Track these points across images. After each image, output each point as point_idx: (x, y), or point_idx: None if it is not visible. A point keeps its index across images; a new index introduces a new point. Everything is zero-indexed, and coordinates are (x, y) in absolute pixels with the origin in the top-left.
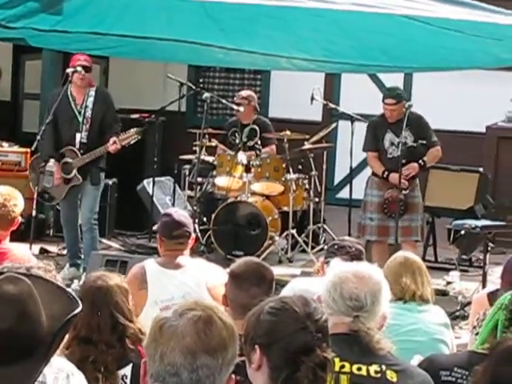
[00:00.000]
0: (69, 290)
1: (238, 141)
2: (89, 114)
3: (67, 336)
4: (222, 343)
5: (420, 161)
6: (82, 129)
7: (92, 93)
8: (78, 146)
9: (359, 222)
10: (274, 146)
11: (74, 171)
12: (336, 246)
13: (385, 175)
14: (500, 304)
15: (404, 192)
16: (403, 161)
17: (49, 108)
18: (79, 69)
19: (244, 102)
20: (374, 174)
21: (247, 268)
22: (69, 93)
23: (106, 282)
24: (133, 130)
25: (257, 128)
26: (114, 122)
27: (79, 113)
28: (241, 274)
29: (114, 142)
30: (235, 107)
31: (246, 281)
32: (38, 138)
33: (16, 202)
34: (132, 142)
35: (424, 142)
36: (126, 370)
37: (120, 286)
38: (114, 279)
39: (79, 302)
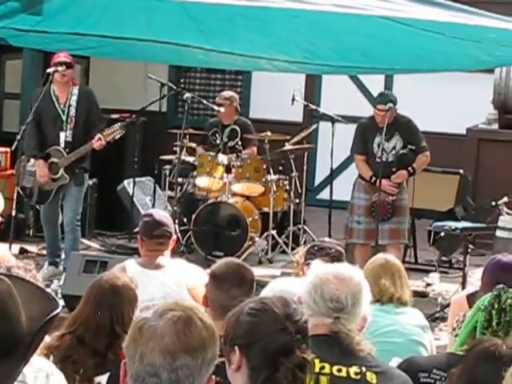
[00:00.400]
0: (48, 290)
1: (218, 141)
2: (73, 112)
3: (64, 327)
4: (201, 343)
5: (409, 168)
6: (67, 128)
7: (75, 91)
8: (63, 145)
9: (346, 225)
10: (254, 148)
11: (61, 171)
12: (316, 248)
13: (372, 180)
14: (479, 305)
15: (392, 198)
16: (393, 169)
17: (31, 107)
18: (60, 68)
19: (226, 103)
20: (360, 176)
21: (228, 269)
22: (52, 92)
23: (115, 283)
24: (117, 125)
25: (238, 129)
26: (98, 120)
27: (63, 112)
28: (221, 274)
29: (99, 139)
30: (216, 108)
31: (227, 282)
32: (18, 137)
33: None
34: (117, 137)
35: (413, 147)
36: (103, 379)
37: (128, 290)
38: (123, 281)
39: (58, 302)
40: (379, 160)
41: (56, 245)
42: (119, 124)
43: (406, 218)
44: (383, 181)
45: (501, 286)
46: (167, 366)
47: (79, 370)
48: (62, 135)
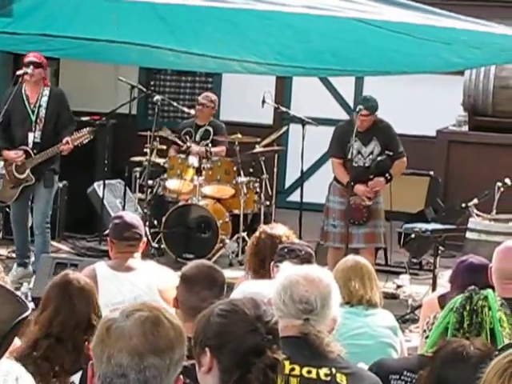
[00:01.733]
0: (18, 293)
1: (189, 143)
2: (42, 113)
3: (36, 332)
4: (169, 344)
5: (386, 174)
6: (36, 128)
7: (46, 92)
8: (31, 145)
9: (322, 228)
10: (224, 148)
11: (27, 171)
12: (286, 250)
13: (349, 186)
14: (450, 307)
15: (368, 203)
16: (371, 176)
17: (0, 107)
18: (29, 70)
19: (210, 105)
20: (336, 179)
21: (199, 271)
22: (23, 91)
23: (85, 281)
24: (85, 130)
25: (211, 130)
26: (69, 122)
27: (32, 112)
28: (192, 276)
29: (67, 142)
30: (186, 110)
31: (198, 284)
32: None
33: None
34: (85, 142)
35: (390, 153)
36: (75, 378)
37: (93, 286)
38: (87, 279)
39: (28, 305)
40: (356, 165)
41: (25, 247)
42: (88, 129)
43: (381, 221)
44: (360, 186)
45: (472, 287)
46: (135, 367)
47: (55, 367)
48: (31, 136)
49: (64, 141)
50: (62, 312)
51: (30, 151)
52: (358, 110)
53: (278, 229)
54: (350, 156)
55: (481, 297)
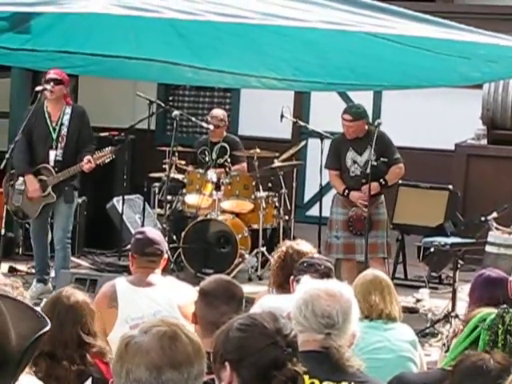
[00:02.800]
0: (37, 308)
1: (207, 159)
2: (64, 131)
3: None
4: (187, 358)
5: (381, 180)
6: (57, 146)
7: (68, 110)
8: (52, 163)
9: (326, 240)
10: (244, 164)
11: (49, 189)
12: (305, 264)
13: (345, 193)
14: (479, 322)
15: (367, 210)
16: (363, 180)
17: (24, 124)
18: (48, 86)
19: (221, 124)
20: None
21: (217, 286)
22: (44, 109)
23: (75, 299)
24: (108, 149)
25: (227, 146)
26: (89, 141)
27: (54, 130)
28: (211, 291)
29: (89, 161)
30: (205, 125)
31: (216, 299)
32: (7, 156)
33: None
34: (107, 161)
35: (385, 159)
36: None
37: (87, 304)
38: (81, 297)
39: (48, 320)
40: (353, 175)
41: (45, 262)
42: (110, 148)
43: (383, 232)
44: (354, 193)
45: (504, 306)
46: (153, 381)
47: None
48: (52, 154)
49: (85, 159)
50: (51, 330)
51: (52, 169)
52: (341, 115)
53: (304, 245)
54: (345, 166)
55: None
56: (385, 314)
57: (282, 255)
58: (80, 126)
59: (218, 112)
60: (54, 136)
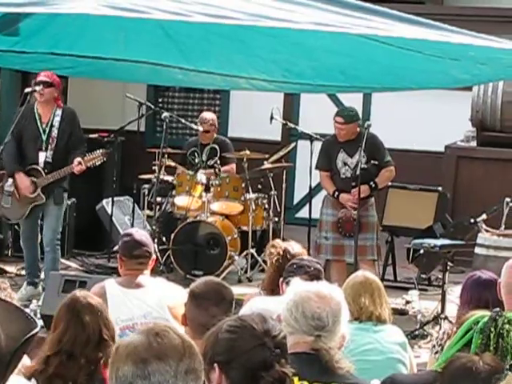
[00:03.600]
0: (27, 310)
1: (197, 160)
2: (54, 133)
3: (46, 351)
4: (174, 351)
5: (371, 182)
6: (48, 148)
7: (59, 112)
8: (42, 165)
9: (315, 241)
10: (233, 165)
11: (38, 190)
12: (295, 266)
13: (335, 195)
14: (472, 324)
15: (356, 212)
16: (353, 183)
17: (13, 125)
18: (38, 88)
19: (211, 128)
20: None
21: (207, 288)
22: (35, 110)
23: (92, 299)
24: (98, 152)
25: (217, 147)
26: (80, 143)
27: (44, 131)
28: (200, 293)
29: (79, 163)
30: (195, 127)
31: (206, 300)
32: None
33: None
34: (97, 164)
35: (376, 162)
36: None
37: (103, 305)
38: (96, 298)
39: (37, 322)
40: (344, 176)
41: (35, 265)
42: (102, 150)
43: (373, 234)
44: (344, 195)
45: (497, 309)
46: (139, 373)
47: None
48: (42, 155)
49: (76, 161)
50: (72, 328)
51: (42, 170)
52: (333, 117)
53: (295, 246)
54: (336, 168)
55: (505, 320)
56: (375, 315)
57: (280, 259)
58: (70, 128)
59: (208, 116)
60: (44, 137)
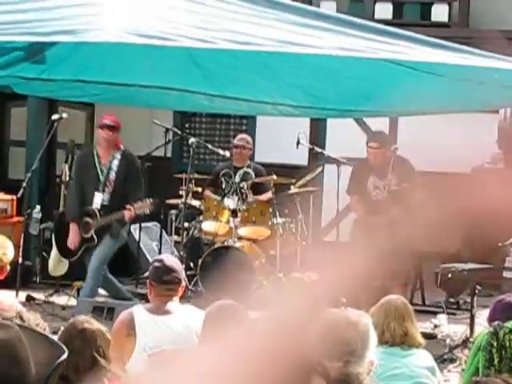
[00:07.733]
0: (52, 336)
1: (230, 182)
2: (113, 176)
3: None
4: None
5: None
6: (105, 190)
7: (118, 155)
8: (98, 206)
9: None
10: (270, 193)
11: (91, 232)
12: None
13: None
14: (478, 346)
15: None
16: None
17: (76, 169)
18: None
19: (248, 146)
20: None
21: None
22: (94, 152)
23: (88, 325)
24: (148, 201)
25: (251, 172)
26: (137, 188)
27: (101, 172)
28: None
29: (129, 210)
30: (221, 152)
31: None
32: (24, 184)
33: (5, 250)
34: (146, 212)
35: (406, 185)
36: None
37: (102, 331)
38: (96, 324)
39: (65, 348)
40: (375, 199)
41: (121, 292)
42: (151, 200)
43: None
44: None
45: (496, 322)
46: None
47: None
48: (99, 196)
49: (127, 207)
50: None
51: (97, 213)
52: (366, 142)
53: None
54: (366, 191)
55: (506, 331)
56: (403, 340)
57: None
58: (128, 174)
59: (244, 135)
60: (102, 179)
